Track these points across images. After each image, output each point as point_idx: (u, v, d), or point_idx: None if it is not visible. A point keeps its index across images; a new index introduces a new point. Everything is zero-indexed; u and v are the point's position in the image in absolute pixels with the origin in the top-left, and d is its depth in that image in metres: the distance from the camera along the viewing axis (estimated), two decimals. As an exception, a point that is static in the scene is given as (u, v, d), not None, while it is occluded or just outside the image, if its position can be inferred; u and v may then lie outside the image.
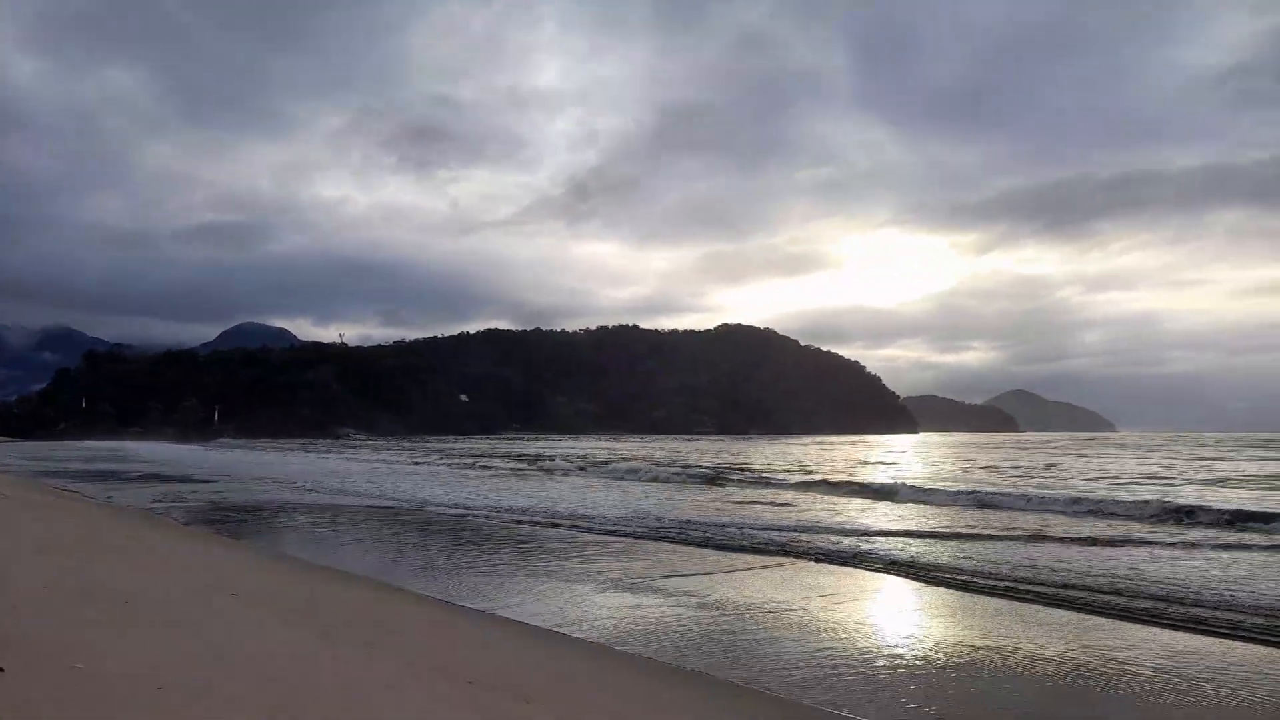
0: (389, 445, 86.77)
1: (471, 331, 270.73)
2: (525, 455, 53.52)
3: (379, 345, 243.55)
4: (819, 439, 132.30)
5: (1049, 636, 7.36)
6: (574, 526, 15.55)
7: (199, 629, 5.62)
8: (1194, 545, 12.65)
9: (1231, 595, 8.83)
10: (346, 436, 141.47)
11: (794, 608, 8.55)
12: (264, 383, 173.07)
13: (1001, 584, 9.57)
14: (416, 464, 43.08)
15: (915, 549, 12.43)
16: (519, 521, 16.46)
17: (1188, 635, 7.38)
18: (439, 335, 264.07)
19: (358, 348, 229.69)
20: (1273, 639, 7.19)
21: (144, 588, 7.18)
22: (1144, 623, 7.83)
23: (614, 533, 14.59)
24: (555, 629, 7.50)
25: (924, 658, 6.71)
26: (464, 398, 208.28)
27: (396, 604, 8.40)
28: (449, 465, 41.47)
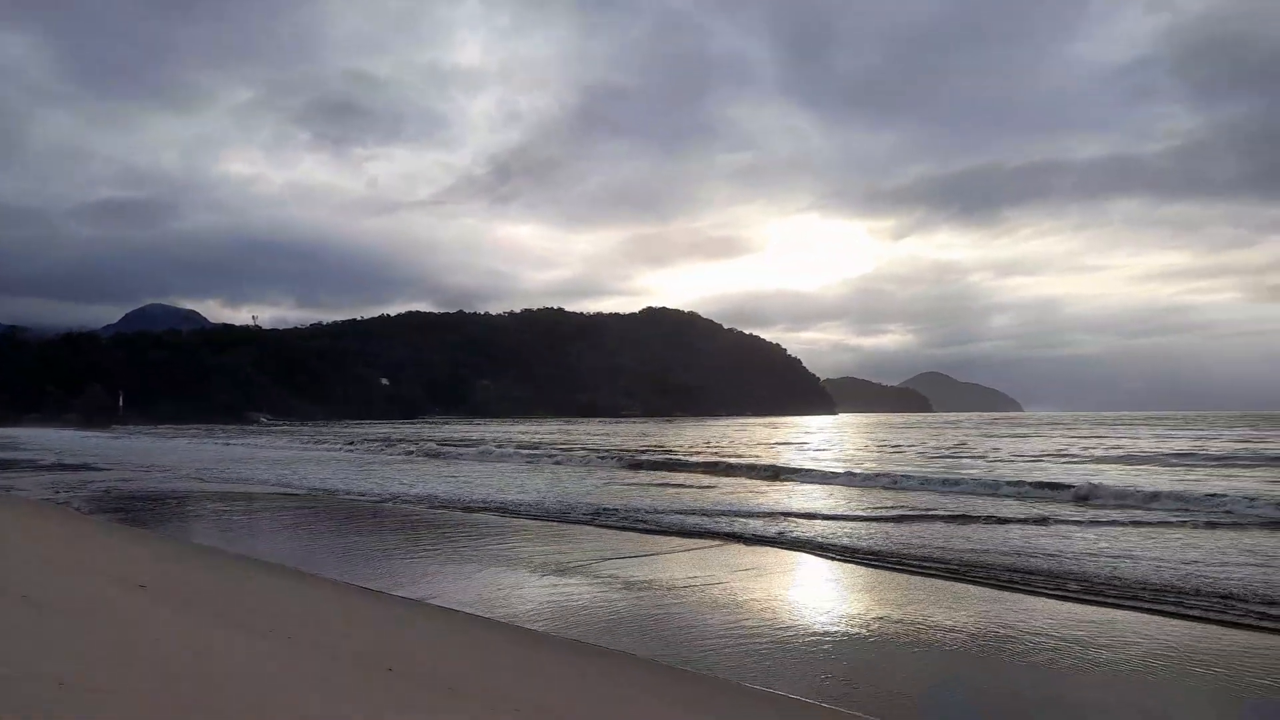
0: (304, 430, 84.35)
1: (392, 314, 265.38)
2: (448, 439, 52.83)
3: (295, 328, 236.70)
4: (742, 421, 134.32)
5: (954, 609, 7.69)
6: (498, 511, 15.47)
7: (105, 623, 5.42)
8: (1091, 523, 13.34)
9: (1116, 568, 9.39)
10: (258, 422, 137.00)
11: (716, 587, 8.71)
12: (172, 367, 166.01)
13: (912, 561, 9.93)
14: (333, 449, 42.07)
15: (832, 529, 12.79)
16: (441, 507, 16.28)
17: (1082, 605, 7.80)
18: (358, 318, 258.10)
19: (273, 330, 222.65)
20: (1157, 608, 7.68)
21: (45, 581, 6.87)
22: (1042, 595, 8.24)
23: (539, 517, 14.57)
24: (480, 614, 7.47)
25: (838, 631, 6.94)
26: (385, 381, 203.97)
27: (316, 593, 8.24)
28: (368, 450, 40.61)
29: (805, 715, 5.07)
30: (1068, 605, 7.79)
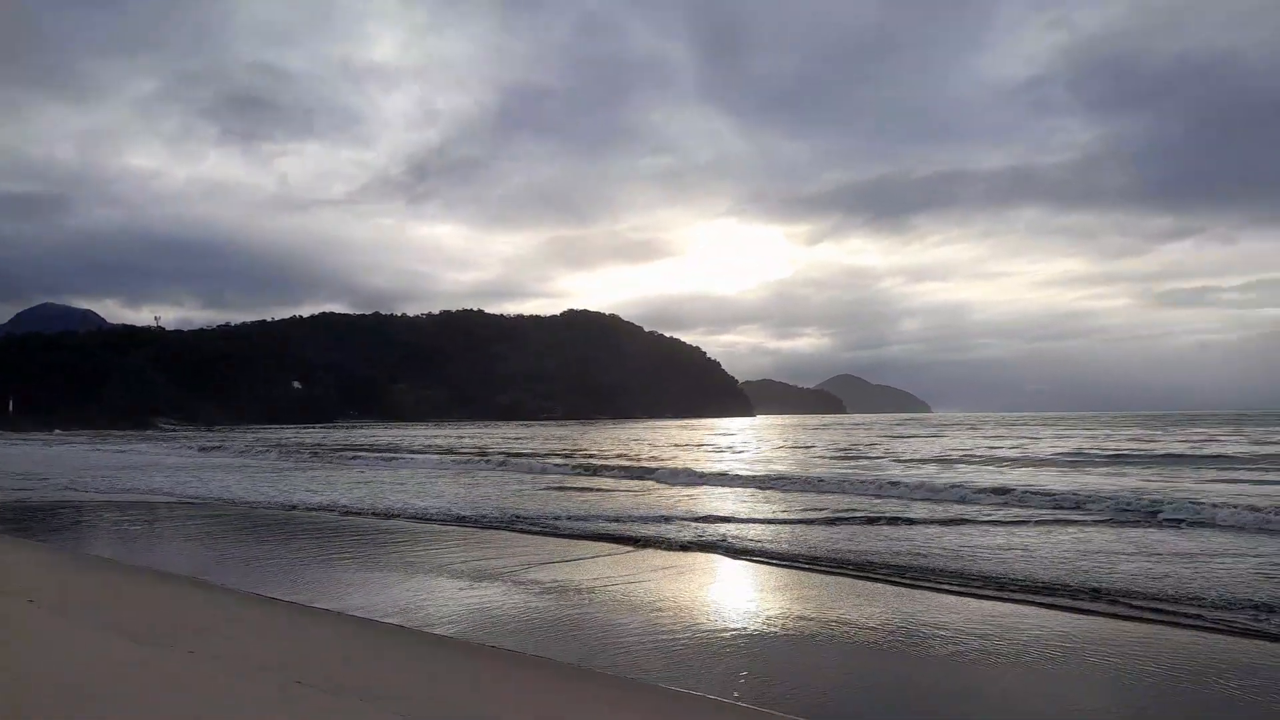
0: (208, 436, 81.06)
1: (305, 315, 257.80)
2: (362, 445, 51.63)
3: (201, 329, 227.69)
4: (663, 423, 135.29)
5: (868, 606, 7.91)
6: (413, 517, 15.18)
7: (-12, 643, 5.11)
8: (998, 523, 13.90)
9: (1026, 566, 9.81)
10: (158, 426, 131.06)
11: (636, 590, 8.74)
12: (67, 370, 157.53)
13: (825, 562, 10.14)
14: (239, 455, 40.61)
15: (750, 532, 12.99)
16: (354, 513, 15.88)
17: (990, 602, 8.13)
18: (269, 319, 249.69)
19: (177, 331, 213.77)
20: (1057, 604, 8.06)
21: (-81, 600, 6.44)
22: (947, 591, 8.55)
23: (453, 523, 14.37)
24: (395, 623, 7.31)
25: (756, 630, 7.05)
26: (297, 385, 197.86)
27: (221, 604, 7.93)
28: (279, 455, 39.33)
29: (722, 714, 5.13)
30: (974, 601, 8.10)
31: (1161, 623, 7.19)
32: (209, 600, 8.14)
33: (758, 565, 10.27)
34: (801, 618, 7.43)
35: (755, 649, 6.53)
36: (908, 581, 8.97)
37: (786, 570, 9.86)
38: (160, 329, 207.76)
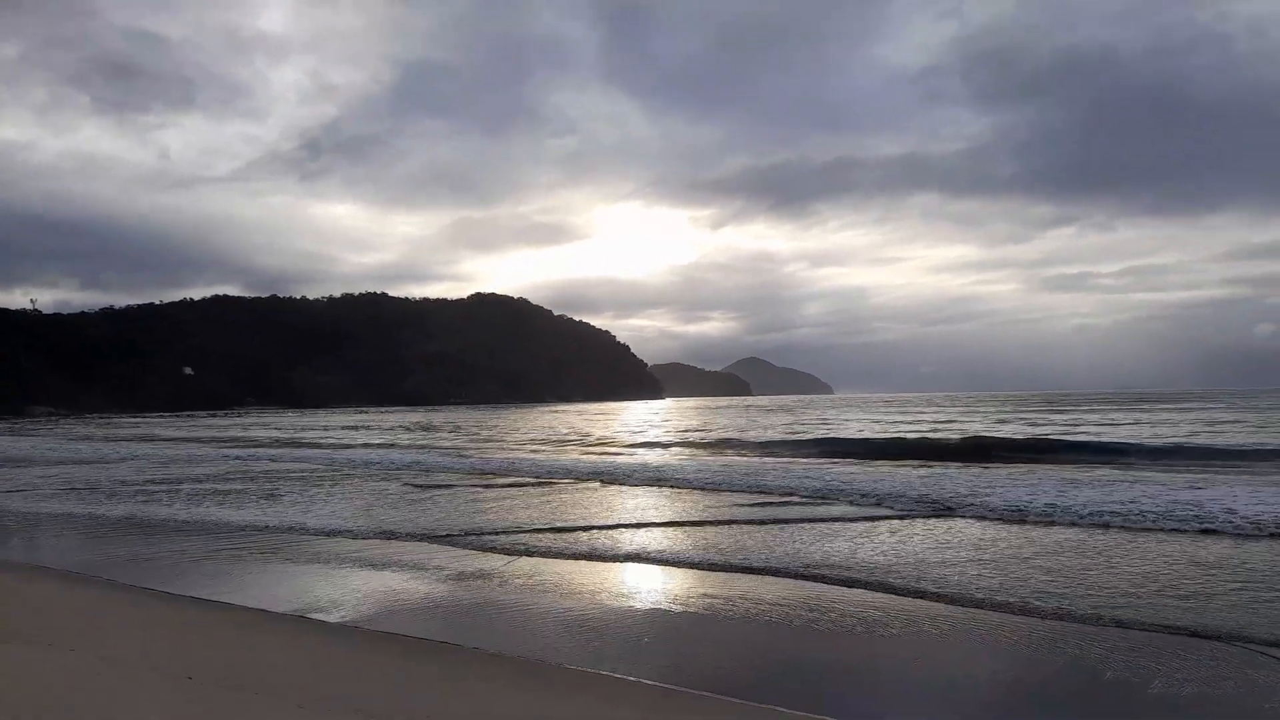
0: (85, 424, 76.62)
1: (195, 298, 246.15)
2: (257, 435, 49.82)
3: (82, 313, 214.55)
4: (572, 407, 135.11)
5: (764, 601, 8.19)
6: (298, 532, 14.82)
7: None
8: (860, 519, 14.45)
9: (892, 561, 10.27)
10: (34, 415, 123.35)
11: (542, 579, 8.81)
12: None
13: (722, 558, 9.84)
14: (115, 446, 38.59)
15: (656, 534, 13.02)
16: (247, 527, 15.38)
17: (871, 593, 8.52)
18: (156, 302, 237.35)
19: (55, 315, 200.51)
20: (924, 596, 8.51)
21: None
22: (829, 583, 8.89)
23: (346, 535, 14.11)
24: (295, 613, 7.16)
25: (660, 618, 7.23)
26: (189, 371, 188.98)
27: (107, 600, 7.60)
28: (153, 447, 37.43)
29: (633, 692, 5.25)
30: (855, 591, 8.40)
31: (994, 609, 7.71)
32: (92, 596, 7.78)
33: (669, 567, 10.44)
34: (705, 607, 7.63)
35: (659, 630, 6.70)
36: (797, 575, 9.30)
37: (687, 571, 10.08)
38: (36, 312, 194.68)
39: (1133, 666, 5.54)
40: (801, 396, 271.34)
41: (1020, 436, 29.22)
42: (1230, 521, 10.72)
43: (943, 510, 12.73)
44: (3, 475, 22.62)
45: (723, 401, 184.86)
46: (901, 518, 12.19)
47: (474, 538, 11.07)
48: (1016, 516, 11.94)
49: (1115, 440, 26.65)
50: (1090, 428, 34.78)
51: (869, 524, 11.63)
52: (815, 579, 8.31)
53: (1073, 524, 11.23)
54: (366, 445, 35.11)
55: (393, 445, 34.74)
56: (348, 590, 8.13)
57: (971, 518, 12.05)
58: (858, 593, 7.74)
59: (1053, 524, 11.32)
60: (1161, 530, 10.60)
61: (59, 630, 6.13)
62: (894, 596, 7.58)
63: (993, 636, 6.31)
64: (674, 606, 7.42)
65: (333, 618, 7.05)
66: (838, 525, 11.58)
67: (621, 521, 12.61)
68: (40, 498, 16.81)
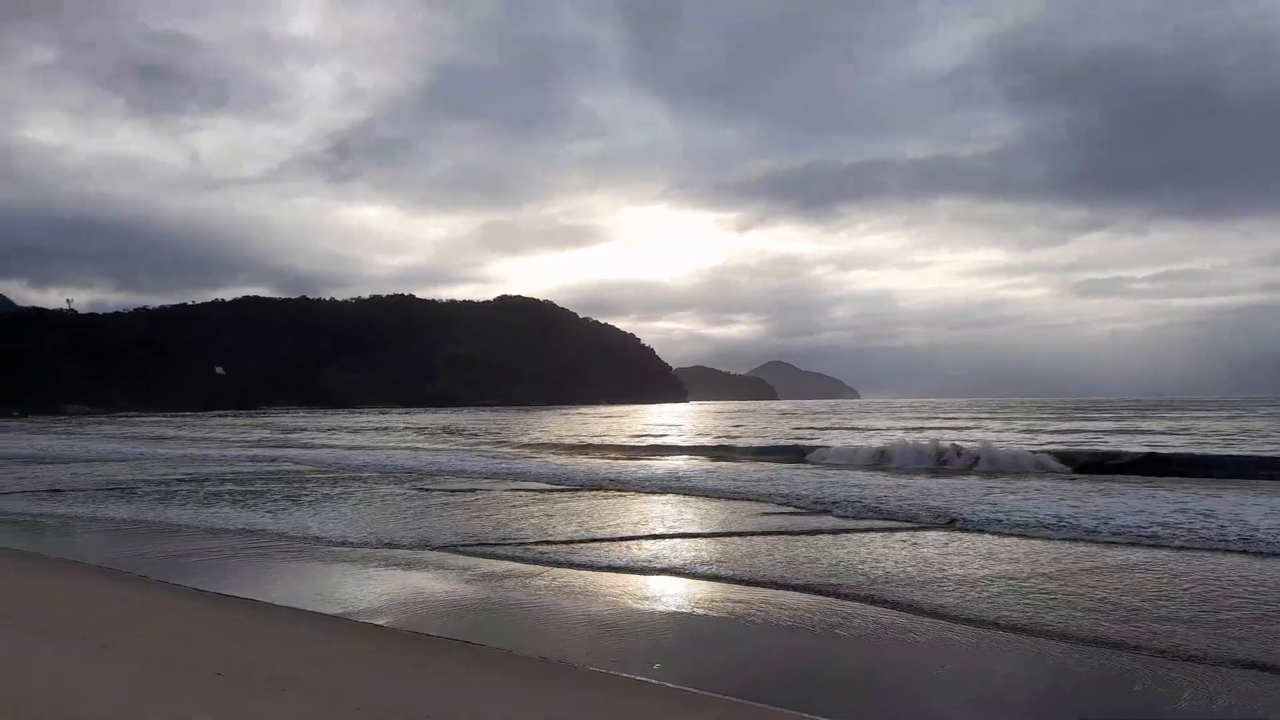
0: (117, 424, 77.81)
1: (227, 299, 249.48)
2: (285, 436, 50.36)
3: (117, 313, 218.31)
4: (598, 410, 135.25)
5: (783, 606, 8.17)
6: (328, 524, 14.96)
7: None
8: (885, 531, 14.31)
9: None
10: (70, 414, 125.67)
11: (568, 585, 8.83)
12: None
13: (736, 571, 9.86)
14: (153, 445, 39.16)
15: (684, 545, 13.07)
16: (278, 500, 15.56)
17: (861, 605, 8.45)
18: (189, 303, 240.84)
19: (90, 315, 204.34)
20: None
21: None
22: (824, 594, 8.84)
23: (361, 543, 14.20)
24: (317, 611, 7.22)
25: (675, 622, 7.22)
26: (220, 371, 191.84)
27: (136, 596, 7.72)
28: (181, 445, 37.81)
29: (642, 691, 5.25)
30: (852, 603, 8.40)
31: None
32: (122, 592, 7.89)
33: (689, 579, 10.42)
34: (718, 611, 7.61)
35: (672, 635, 6.68)
36: (815, 590, 9.24)
37: (706, 583, 10.05)
38: (72, 312, 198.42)
39: None
40: (830, 401, 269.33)
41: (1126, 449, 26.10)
42: None
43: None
44: (38, 473, 23.08)
45: (747, 405, 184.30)
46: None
47: (494, 548, 11.13)
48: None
49: (1224, 453, 23.51)
50: (1159, 436, 32.69)
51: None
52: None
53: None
54: (406, 448, 35.38)
55: (416, 449, 35.00)
56: (375, 590, 8.20)
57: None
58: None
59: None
60: None
61: (89, 625, 6.23)
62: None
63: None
64: (697, 610, 7.40)
65: (361, 616, 7.11)
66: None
67: (653, 532, 12.62)
68: (72, 497, 17.13)
